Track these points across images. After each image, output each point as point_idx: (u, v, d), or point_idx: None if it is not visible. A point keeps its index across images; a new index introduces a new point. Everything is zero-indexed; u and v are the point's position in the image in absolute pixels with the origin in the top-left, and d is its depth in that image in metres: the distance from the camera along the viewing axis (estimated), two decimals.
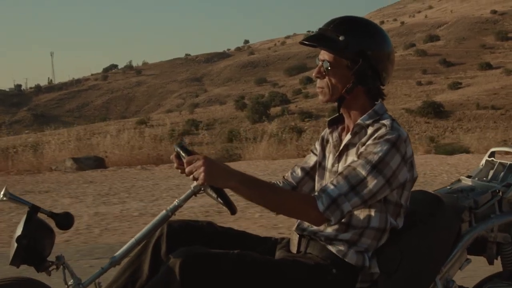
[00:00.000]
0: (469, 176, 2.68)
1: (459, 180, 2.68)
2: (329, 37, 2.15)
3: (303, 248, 2.22)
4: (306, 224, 2.22)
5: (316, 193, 2.04)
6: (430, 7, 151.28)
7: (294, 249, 2.25)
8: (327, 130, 2.40)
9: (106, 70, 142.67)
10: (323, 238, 2.16)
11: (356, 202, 2.02)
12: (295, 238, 2.26)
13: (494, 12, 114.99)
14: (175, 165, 2.22)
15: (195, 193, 2.08)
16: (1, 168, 12.85)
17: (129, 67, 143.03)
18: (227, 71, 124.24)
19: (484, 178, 2.63)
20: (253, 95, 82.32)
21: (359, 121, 2.17)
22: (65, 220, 2.09)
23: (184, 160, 1.98)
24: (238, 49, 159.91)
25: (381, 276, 2.13)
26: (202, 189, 2.08)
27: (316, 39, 2.19)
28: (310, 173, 2.42)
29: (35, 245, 2.01)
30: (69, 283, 2.04)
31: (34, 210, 2.05)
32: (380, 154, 2.03)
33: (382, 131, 2.08)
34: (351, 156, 2.16)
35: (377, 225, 2.13)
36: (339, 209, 1.99)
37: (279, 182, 2.48)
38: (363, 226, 2.13)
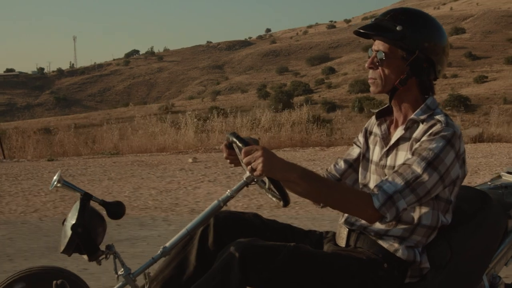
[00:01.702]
0: (509, 172, 2.65)
1: (499, 176, 2.66)
2: (386, 27, 2.13)
3: (352, 243, 2.22)
4: (354, 218, 2.23)
5: (371, 190, 2.03)
6: (454, 0, 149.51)
7: (342, 242, 2.26)
8: (371, 122, 2.39)
9: (128, 55, 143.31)
10: (373, 233, 2.17)
11: (412, 200, 2.01)
12: (343, 232, 2.26)
13: None
14: (225, 155, 2.27)
15: (247, 184, 2.08)
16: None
17: (151, 53, 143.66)
18: (249, 59, 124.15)
19: None
20: (275, 84, 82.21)
21: (412, 116, 2.15)
22: (116, 209, 2.09)
23: (242, 150, 1.95)
24: (260, 37, 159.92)
25: (431, 271, 2.12)
26: (255, 180, 2.07)
27: (373, 28, 2.17)
28: (353, 165, 2.42)
29: (89, 234, 2.00)
30: (119, 272, 2.04)
31: (86, 198, 2.04)
32: (435, 151, 2.01)
33: (438, 127, 2.06)
34: (402, 151, 2.16)
35: (429, 223, 2.12)
36: (394, 206, 1.98)
37: (324, 175, 2.46)
38: (415, 223, 2.12)
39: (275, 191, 2.06)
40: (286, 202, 2.04)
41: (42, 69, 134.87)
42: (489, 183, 2.57)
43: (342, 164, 2.44)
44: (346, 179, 2.42)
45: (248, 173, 2.05)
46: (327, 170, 2.49)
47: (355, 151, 2.43)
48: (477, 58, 79.91)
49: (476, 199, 2.28)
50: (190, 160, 11.19)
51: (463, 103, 42.41)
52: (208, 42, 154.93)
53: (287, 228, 2.39)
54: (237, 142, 2.05)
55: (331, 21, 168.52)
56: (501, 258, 2.33)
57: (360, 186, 2.35)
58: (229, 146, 2.23)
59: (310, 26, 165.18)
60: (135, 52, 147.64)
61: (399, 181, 2.00)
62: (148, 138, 14.47)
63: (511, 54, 77.48)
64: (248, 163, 1.91)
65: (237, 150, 2.14)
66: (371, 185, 2.27)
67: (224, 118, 17.50)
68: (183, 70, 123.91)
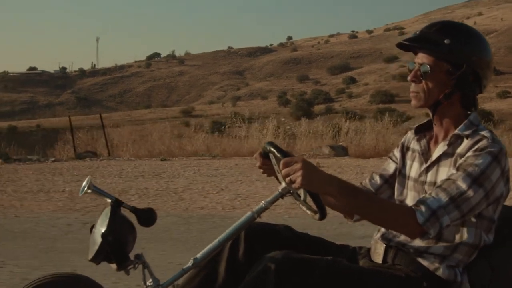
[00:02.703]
0: None
1: None
2: (433, 40, 2.08)
3: (390, 259, 2.15)
4: (392, 234, 2.17)
5: (414, 205, 1.96)
6: (480, 14, 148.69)
7: (378, 259, 2.19)
8: (408, 137, 2.34)
9: (149, 58, 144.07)
10: (413, 250, 2.10)
11: (455, 216, 1.94)
12: (380, 248, 2.19)
13: None
14: (258, 164, 2.21)
15: (283, 195, 2.04)
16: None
17: (172, 56, 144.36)
18: (269, 66, 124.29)
19: None
20: (295, 92, 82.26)
21: (456, 131, 2.09)
22: (148, 216, 2.03)
23: (281, 161, 1.89)
24: (281, 45, 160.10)
25: None
26: (291, 192, 2.03)
27: (419, 40, 2.12)
28: (389, 181, 2.35)
29: (119, 242, 1.94)
30: (148, 283, 1.98)
31: (117, 204, 1.98)
32: (481, 167, 1.96)
33: (484, 143, 2.01)
34: (444, 167, 2.09)
35: (472, 241, 2.05)
36: (438, 222, 1.92)
37: None
38: (457, 241, 2.06)
39: (310, 203, 2.01)
40: (323, 215, 1.99)
41: (64, 68, 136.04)
42: None
43: (377, 179, 2.37)
44: (381, 195, 2.34)
45: (284, 184, 2.01)
46: (361, 184, 2.43)
47: (390, 167, 2.37)
48: (501, 73, 79.28)
49: None
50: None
51: (486, 118, 42.06)
52: (229, 47, 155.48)
53: (319, 242, 2.34)
54: (275, 152, 2.00)
55: (353, 31, 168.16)
56: None
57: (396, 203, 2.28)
58: (264, 155, 2.17)
59: (331, 35, 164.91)
60: (157, 55, 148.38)
61: (443, 197, 1.94)
62: (238, 142, 15.28)
63: None
64: (287, 175, 1.86)
65: (273, 160, 2.09)
66: (408, 201, 2.20)
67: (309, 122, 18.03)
68: (203, 74, 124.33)
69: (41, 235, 5.80)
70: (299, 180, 1.82)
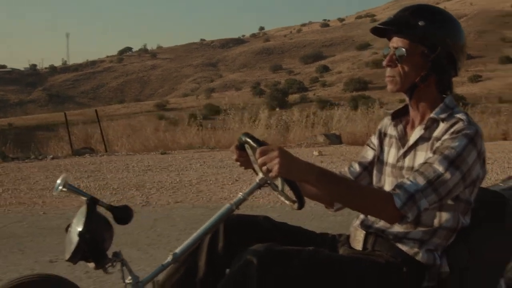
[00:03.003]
0: None
1: (510, 177, 2.60)
2: (408, 23, 2.06)
3: (369, 246, 2.15)
4: (371, 220, 2.17)
5: (392, 190, 1.94)
6: None
7: (359, 246, 2.18)
8: (385, 123, 2.33)
9: (121, 52, 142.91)
10: (392, 236, 2.10)
11: (433, 199, 1.93)
12: (360, 235, 2.19)
13: None
14: (235, 156, 2.16)
15: (260, 186, 2.00)
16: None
17: (144, 50, 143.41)
18: (243, 57, 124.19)
19: None
20: (269, 82, 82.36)
21: (432, 115, 2.09)
22: (124, 214, 1.98)
23: (257, 151, 1.85)
24: (254, 35, 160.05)
25: (449, 274, 2.07)
26: (269, 182, 1.99)
27: (394, 24, 2.10)
28: (368, 168, 2.34)
29: (97, 241, 1.90)
30: (127, 281, 1.94)
31: (93, 202, 1.94)
32: (458, 150, 1.95)
33: (460, 125, 2.00)
34: (421, 151, 2.09)
35: (450, 225, 2.06)
36: (416, 206, 1.91)
37: None
38: (435, 225, 2.06)
39: (288, 193, 1.98)
40: (301, 204, 1.95)
41: (34, 65, 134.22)
42: (501, 184, 2.50)
43: (357, 167, 2.36)
44: (360, 182, 2.32)
45: (261, 175, 1.97)
46: (340, 172, 2.40)
47: (369, 154, 2.35)
48: (471, 57, 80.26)
49: (493, 200, 2.22)
50: (316, 153, 11.70)
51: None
52: (201, 39, 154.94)
53: (299, 231, 2.33)
54: (251, 142, 1.96)
55: (325, 20, 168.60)
56: None
57: None
58: (240, 147, 2.13)
59: (303, 25, 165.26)
60: (128, 49, 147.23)
61: (421, 180, 1.92)
62: (232, 133, 15.20)
63: (505, 54, 77.94)
64: (263, 164, 1.82)
65: (249, 151, 2.05)
66: (386, 187, 2.19)
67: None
68: (176, 67, 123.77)
69: None
70: (276, 168, 1.79)
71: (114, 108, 54.55)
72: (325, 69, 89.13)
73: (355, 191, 1.94)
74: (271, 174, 1.81)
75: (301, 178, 1.85)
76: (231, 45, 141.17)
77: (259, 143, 1.93)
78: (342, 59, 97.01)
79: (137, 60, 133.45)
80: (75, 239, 1.89)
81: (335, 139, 14.54)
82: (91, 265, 1.92)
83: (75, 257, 1.90)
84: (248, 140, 1.98)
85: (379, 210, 1.93)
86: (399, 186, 1.94)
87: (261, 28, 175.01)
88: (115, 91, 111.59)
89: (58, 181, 1.94)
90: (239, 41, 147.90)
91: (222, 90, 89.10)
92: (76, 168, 10.90)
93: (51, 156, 13.19)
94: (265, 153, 1.82)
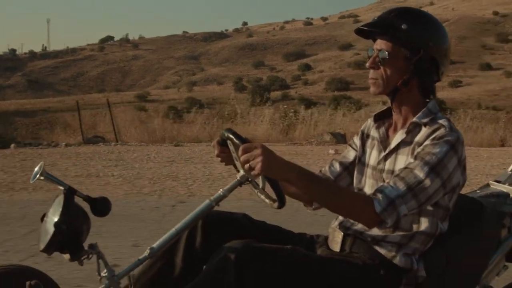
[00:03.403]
0: (497, 181, 2.64)
1: (487, 185, 2.65)
2: (391, 25, 2.07)
3: (347, 247, 2.16)
4: (350, 222, 2.18)
5: (372, 194, 1.97)
6: (432, 3, 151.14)
7: (336, 247, 2.19)
8: (368, 124, 2.34)
9: (102, 41, 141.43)
10: (370, 238, 2.11)
11: (413, 205, 1.96)
12: (338, 236, 2.20)
13: (495, 13, 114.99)
14: (216, 152, 2.16)
15: (241, 183, 2.00)
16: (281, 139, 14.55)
17: (126, 40, 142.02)
18: (225, 52, 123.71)
19: None
20: (251, 78, 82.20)
21: (414, 119, 2.09)
22: (102, 206, 1.96)
23: (239, 148, 1.86)
24: (237, 30, 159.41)
25: (426, 279, 2.09)
26: (249, 179, 1.99)
27: (377, 26, 2.11)
28: (349, 168, 2.35)
29: (73, 232, 1.87)
30: (102, 274, 1.93)
31: (70, 192, 1.91)
32: (439, 156, 1.96)
33: (442, 131, 2.01)
34: (402, 155, 2.10)
35: (428, 230, 2.07)
36: (396, 212, 1.93)
37: None
38: (413, 230, 2.08)
39: (268, 192, 1.98)
40: (282, 203, 1.95)
41: (14, 50, 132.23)
42: (478, 191, 2.56)
43: (337, 167, 2.37)
44: (340, 182, 2.35)
45: (242, 172, 1.97)
46: (321, 171, 2.43)
47: (350, 154, 2.37)
48: (452, 62, 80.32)
49: (471, 207, 2.26)
50: (332, 151, 11.90)
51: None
52: (184, 32, 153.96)
53: (277, 230, 2.34)
54: (234, 139, 1.95)
55: (308, 18, 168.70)
56: (494, 268, 2.31)
57: (355, 191, 2.28)
58: (222, 143, 2.12)
59: (286, 22, 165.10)
60: (110, 38, 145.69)
61: (401, 186, 1.94)
62: (240, 128, 15.46)
63: (485, 61, 78.80)
64: (246, 161, 1.84)
65: (231, 147, 2.05)
66: (367, 189, 2.21)
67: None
68: (158, 59, 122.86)
69: (148, 216, 6.06)
70: (258, 166, 1.80)
71: (94, 98, 54.13)
72: (307, 67, 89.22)
73: (335, 193, 1.95)
74: (253, 172, 1.82)
75: (282, 177, 1.86)
76: (213, 39, 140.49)
77: (242, 140, 1.92)
78: (325, 58, 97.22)
79: (118, 49, 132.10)
80: (50, 229, 1.86)
81: (340, 138, 14.77)
82: (66, 256, 1.91)
83: (50, 248, 1.88)
84: (231, 136, 1.97)
85: (358, 213, 1.95)
86: (379, 190, 1.95)
87: (244, 23, 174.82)
88: (95, 80, 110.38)
89: (36, 169, 1.91)
90: (222, 35, 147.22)
91: (203, 84, 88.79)
92: (98, 156, 11.09)
93: (63, 143, 13.41)
94: (248, 151, 1.83)
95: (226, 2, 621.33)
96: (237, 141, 1.93)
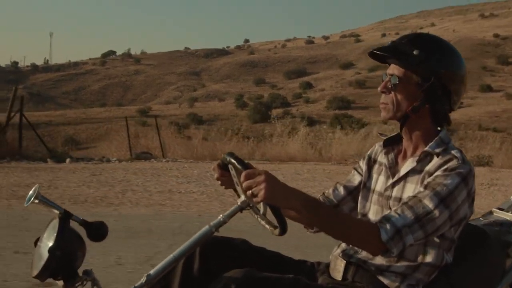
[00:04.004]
0: (500, 209, 2.60)
1: (490, 212, 2.61)
2: (403, 51, 2.04)
3: (350, 276, 2.10)
4: (353, 250, 2.13)
5: (378, 222, 1.91)
6: (433, 25, 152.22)
7: (338, 275, 2.13)
8: (376, 149, 2.30)
9: (104, 55, 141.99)
10: (374, 268, 2.06)
11: (419, 236, 1.91)
12: (340, 264, 2.14)
13: (496, 35, 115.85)
14: (216, 175, 2.11)
15: (242, 209, 1.93)
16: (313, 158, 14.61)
17: (128, 55, 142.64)
18: (226, 68, 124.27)
19: None
20: (252, 95, 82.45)
21: (427, 148, 2.05)
22: (98, 230, 1.88)
23: (242, 173, 1.80)
24: (238, 47, 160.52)
25: None
26: (250, 205, 1.93)
27: (389, 50, 2.08)
28: (353, 192, 2.30)
29: (68, 258, 1.80)
30: None
31: (66, 216, 1.82)
32: (450, 187, 1.92)
33: (454, 163, 1.97)
34: (411, 184, 2.06)
35: (433, 262, 2.02)
36: (402, 242, 1.88)
37: (319, 198, 2.35)
38: (419, 260, 2.03)
39: (268, 218, 1.92)
40: (283, 230, 1.87)
41: (16, 63, 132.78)
42: (481, 218, 2.51)
43: (341, 190, 2.32)
44: (344, 206, 2.30)
45: (243, 197, 1.90)
46: (324, 194, 2.37)
47: (355, 178, 2.32)
48: None
49: (475, 236, 2.21)
50: None
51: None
52: (186, 48, 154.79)
53: (277, 257, 2.27)
54: (236, 164, 1.89)
55: (310, 37, 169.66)
56: None
57: (359, 216, 2.22)
58: (223, 166, 2.07)
59: (288, 40, 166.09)
60: (112, 53, 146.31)
61: (409, 215, 1.89)
62: (276, 146, 15.73)
63: (486, 82, 79.08)
64: (248, 188, 1.77)
65: (233, 172, 1.98)
66: (371, 215, 2.16)
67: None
68: (159, 74, 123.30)
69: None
70: (261, 193, 1.73)
71: (96, 112, 54.24)
72: (308, 85, 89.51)
73: (340, 220, 1.90)
74: (256, 199, 1.76)
75: (286, 204, 1.79)
76: (215, 56, 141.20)
77: (244, 165, 1.87)
78: (326, 77, 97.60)
79: (120, 64, 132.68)
80: (44, 254, 1.79)
81: None
82: (60, 283, 1.82)
83: (43, 274, 1.80)
84: (233, 161, 1.91)
85: (363, 241, 1.90)
86: (386, 218, 1.90)
87: (246, 41, 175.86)
88: (96, 94, 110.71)
89: (31, 192, 1.83)
90: (223, 52, 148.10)
91: (205, 100, 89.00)
92: (162, 172, 11.40)
93: (114, 159, 13.86)
94: (250, 177, 1.77)
95: (228, 19, 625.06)
96: (239, 166, 1.88)
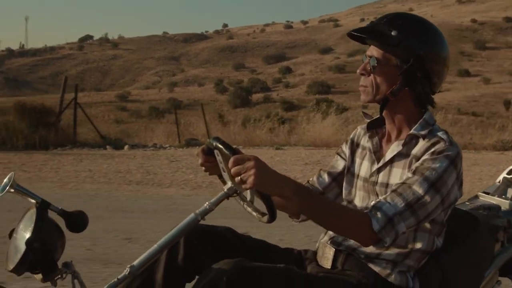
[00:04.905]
0: (486, 193, 2.60)
1: (476, 196, 2.61)
2: (381, 31, 1.97)
3: (339, 264, 2.05)
4: (341, 237, 2.07)
5: (369, 211, 1.85)
6: (411, 10, 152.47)
7: (327, 263, 2.08)
8: (358, 132, 2.23)
9: (81, 40, 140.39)
10: (363, 255, 2.01)
11: (411, 223, 1.86)
12: (329, 252, 2.09)
13: (474, 21, 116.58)
14: (200, 161, 2.00)
15: (228, 195, 1.84)
16: None
17: (105, 39, 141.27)
18: (205, 53, 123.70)
19: (503, 196, 2.55)
20: (231, 79, 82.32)
21: (412, 131, 1.99)
22: (78, 221, 1.78)
23: (230, 159, 1.72)
24: (217, 32, 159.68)
25: None
26: (238, 192, 1.84)
27: (367, 31, 2.00)
28: (337, 178, 2.23)
29: (47, 250, 1.69)
30: None
31: (44, 206, 1.72)
32: (439, 171, 1.87)
33: (441, 145, 1.91)
34: (397, 168, 2.01)
35: (424, 248, 1.99)
36: (394, 230, 1.82)
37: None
38: (409, 247, 1.99)
39: (254, 205, 1.86)
40: (273, 217, 1.80)
41: None
42: (467, 203, 2.50)
43: (326, 177, 2.24)
44: (329, 193, 2.23)
45: (230, 184, 1.81)
46: (308, 182, 2.29)
47: (339, 164, 2.24)
48: None
49: (464, 220, 2.19)
50: None
51: None
52: (164, 32, 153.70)
53: (263, 245, 2.20)
54: (223, 149, 1.79)
55: (288, 21, 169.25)
56: (488, 283, 2.25)
57: (344, 202, 2.17)
58: (208, 151, 1.97)
59: (267, 25, 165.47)
60: (89, 37, 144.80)
61: (399, 202, 1.84)
62: (308, 130, 16.23)
63: (463, 67, 79.86)
64: (237, 174, 1.69)
65: (219, 158, 1.87)
66: (357, 201, 2.11)
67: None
68: (138, 59, 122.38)
69: None
70: (251, 179, 1.67)
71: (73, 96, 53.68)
72: (288, 70, 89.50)
73: (332, 210, 1.84)
74: (245, 186, 1.70)
75: (276, 192, 1.72)
76: (194, 40, 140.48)
77: (233, 150, 1.78)
78: (305, 62, 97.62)
79: (97, 49, 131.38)
80: (21, 247, 1.69)
81: None
82: (38, 277, 1.72)
83: (20, 268, 1.70)
84: (220, 146, 1.81)
85: (355, 232, 1.85)
86: (376, 207, 1.84)
87: (225, 25, 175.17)
88: (74, 79, 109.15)
89: (5, 181, 1.73)
90: (202, 37, 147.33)
91: (184, 85, 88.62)
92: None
93: (167, 146, 14.55)
94: (239, 163, 1.69)
95: (206, 3, 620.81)
96: (226, 152, 1.79)
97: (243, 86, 64.90)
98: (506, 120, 24.55)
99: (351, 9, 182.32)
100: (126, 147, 14.25)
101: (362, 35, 1.99)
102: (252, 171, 1.66)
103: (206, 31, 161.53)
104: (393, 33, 1.94)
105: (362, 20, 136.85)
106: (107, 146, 14.09)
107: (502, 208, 2.41)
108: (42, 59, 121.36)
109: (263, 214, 1.83)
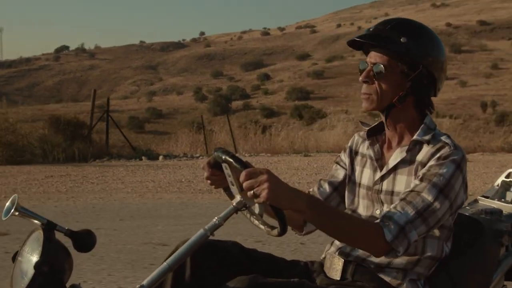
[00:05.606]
0: (485, 196, 2.60)
1: (476, 200, 2.60)
2: (388, 38, 1.92)
3: (349, 275, 2.01)
4: (349, 247, 2.04)
5: (380, 221, 1.83)
6: (386, 15, 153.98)
7: (336, 275, 2.04)
8: (356, 140, 2.20)
9: (57, 50, 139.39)
10: (373, 265, 1.98)
11: (422, 230, 1.84)
12: (338, 263, 2.04)
13: (448, 25, 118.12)
14: (206, 174, 1.93)
15: (238, 209, 1.79)
16: None
17: (82, 50, 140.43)
18: (183, 62, 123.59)
19: (503, 199, 2.56)
20: (210, 87, 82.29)
21: (416, 137, 1.96)
22: (85, 241, 1.72)
23: (242, 173, 1.67)
24: (194, 40, 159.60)
25: None
26: (247, 206, 1.79)
27: (373, 38, 1.95)
28: (338, 188, 2.19)
29: (55, 272, 1.64)
30: None
31: (50, 227, 1.66)
32: (446, 177, 1.85)
33: (446, 150, 1.90)
34: (402, 175, 1.98)
35: (434, 254, 1.97)
36: (406, 239, 1.80)
37: None
38: (419, 254, 1.96)
39: (262, 219, 1.81)
40: (284, 231, 1.75)
41: None
42: (467, 207, 2.48)
43: (327, 187, 2.20)
44: (331, 203, 2.18)
45: (238, 198, 1.77)
46: (309, 192, 2.24)
47: (339, 173, 2.20)
48: None
49: (468, 225, 2.18)
50: None
51: None
52: (141, 41, 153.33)
53: (269, 258, 2.15)
54: (233, 163, 1.74)
55: (265, 28, 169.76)
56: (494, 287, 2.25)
57: (348, 211, 2.13)
58: (214, 164, 1.90)
59: (244, 32, 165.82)
60: (65, 48, 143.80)
61: (410, 210, 1.82)
62: (327, 135, 16.59)
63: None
64: (250, 188, 1.65)
65: (227, 171, 1.82)
66: (361, 210, 2.07)
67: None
68: (115, 68, 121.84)
69: None
70: (264, 193, 1.63)
71: (53, 108, 53.36)
72: (266, 77, 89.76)
73: (345, 223, 1.81)
74: (259, 200, 1.65)
75: (290, 205, 1.69)
76: (171, 49, 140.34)
77: (243, 164, 1.72)
78: (283, 68, 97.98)
79: (74, 59, 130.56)
80: (28, 271, 1.62)
81: None
82: None
83: None
84: (230, 160, 1.75)
85: (368, 243, 1.83)
86: (388, 217, 1.82)
87: (202, 33, 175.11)
88: (51, 90, 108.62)
89: (8, 204, 1.65)
90: (179, 45, 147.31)
91: (162, 94, 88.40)
92: (267, 166, 11.98)
93: (198, 155, 14.93)
94: (252, 176, 1.65)
95: (183, 11, 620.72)
96: (237, 165, 1.73)
97: (223, 93, 65.06)
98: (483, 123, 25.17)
99: (327, 15, 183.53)
100: (160, 157, 14.41)
101: (370, 42, 1.96)
102: (266, 185, 1.63)
103: (184, 40, 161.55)
104: (402, 39, 1.91)
105: (339, 25, 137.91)
106: (142, 157, 14.22)
107: (504, 212, 2.41)
108: (18, 70, 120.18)
109: (272, 228, 1.79)
